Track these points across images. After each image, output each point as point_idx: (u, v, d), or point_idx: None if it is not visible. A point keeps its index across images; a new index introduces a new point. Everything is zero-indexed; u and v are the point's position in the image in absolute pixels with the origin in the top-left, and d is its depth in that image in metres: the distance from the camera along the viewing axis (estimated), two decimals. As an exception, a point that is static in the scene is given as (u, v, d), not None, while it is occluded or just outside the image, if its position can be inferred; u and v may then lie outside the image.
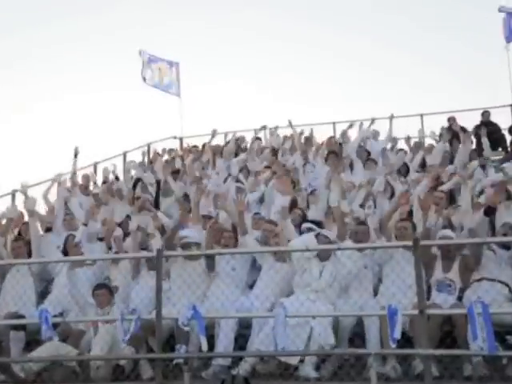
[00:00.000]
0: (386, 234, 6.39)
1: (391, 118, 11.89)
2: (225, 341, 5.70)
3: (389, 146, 11.39)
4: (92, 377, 5.61)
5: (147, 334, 5.74)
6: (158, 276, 5.46)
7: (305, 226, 6.80)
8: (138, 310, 5.71)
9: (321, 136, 12.36)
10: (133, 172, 11.60)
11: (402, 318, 4.88)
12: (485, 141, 10.71)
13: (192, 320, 5.37)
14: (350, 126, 11.99)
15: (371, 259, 6.11)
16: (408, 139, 11.65)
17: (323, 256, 5.95)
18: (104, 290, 6.17)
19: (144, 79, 15.08)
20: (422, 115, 13.83)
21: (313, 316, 5.50)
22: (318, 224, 6.87)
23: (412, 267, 5.09)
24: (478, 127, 12.05)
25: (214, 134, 13.19)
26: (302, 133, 12.25)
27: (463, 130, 11.67)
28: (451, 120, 12.36)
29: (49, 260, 7.23)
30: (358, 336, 5.63)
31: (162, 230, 7.48)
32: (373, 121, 11.99)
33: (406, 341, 5.09)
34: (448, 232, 6.17)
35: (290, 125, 12.44)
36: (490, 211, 6.08)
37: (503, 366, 5.05)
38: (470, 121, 12.43)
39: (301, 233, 6.73)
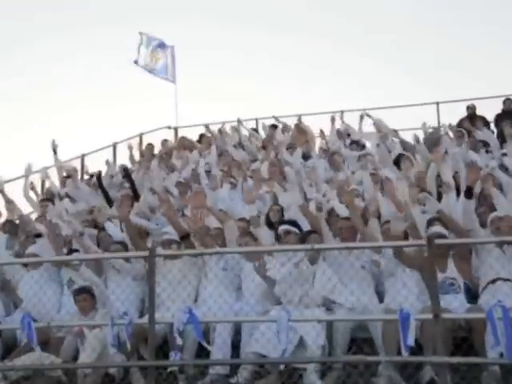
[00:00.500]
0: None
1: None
2: (223, 347, 5.71)
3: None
4: (80, 385, 5.62)
5: (138, 340, 5.75)
6: (151, 277, 5.47)
7: (282, 228, 6.72)
8: (130, 314, 5.73)
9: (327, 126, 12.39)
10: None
11: (414, 323, 4.89)
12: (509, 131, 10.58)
13: (187, 325, 5.38)
14: (362, 118, 11.98)
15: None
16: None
17: (312, 259, 6.01)
18: (85, 295, 6.12)
19: (136, 62, 14.98)
20: (437, 103, 13.80)
21: (312, 320, 5.56)
22: (296, 224, 6.78)
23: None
24: (499, 116, 12.03)
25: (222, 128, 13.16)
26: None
27: (482, 119, 11.69)
28: (470, 108, 12.35)
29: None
30: (365, 342, 5.63)
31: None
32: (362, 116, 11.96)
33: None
34: (439, 228, 6.10)
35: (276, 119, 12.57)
36: (470, 192, 6.04)
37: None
38: (490, 110, 12.43)
39: (277, 235, 6.76)
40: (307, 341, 5.50)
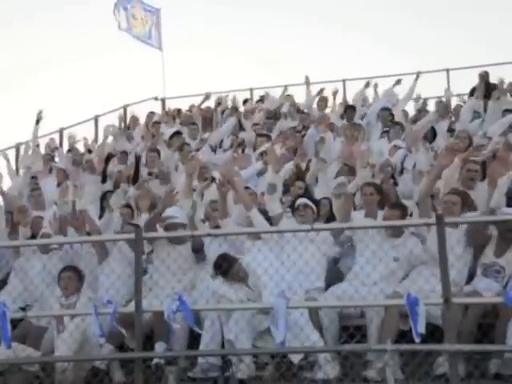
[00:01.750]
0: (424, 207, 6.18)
1: (418, 75, 11.82)
2: (215, 336, 5.70)
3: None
4: (58, 382, 5.56)
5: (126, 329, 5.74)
6: (137, 261, 5.42)
7: (301, 201, 6.66)
8: (115, 303, 5.69)
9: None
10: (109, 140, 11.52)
11: (424, 308, 4.87)
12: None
13: (178, 313, 5.36)
14: (367, 85, 11.95)
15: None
16: (418, 100, 11.58)
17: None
18: (71, 273, 6.10)
19: (119, 25, 14.78)
20: (448, 70, 13.75)
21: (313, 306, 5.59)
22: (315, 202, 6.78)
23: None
24: (514, 84, 11.94)
25: (207, 97, 13.09)
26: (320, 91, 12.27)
27: (496, 87, 11.60)
28: (483, 75, 12.26)
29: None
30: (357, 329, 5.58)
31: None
32: (399, 81, 11.97)
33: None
34: (507, 210, 5.98)
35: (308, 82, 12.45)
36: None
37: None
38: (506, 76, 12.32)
39: (294, 209, 6.70)
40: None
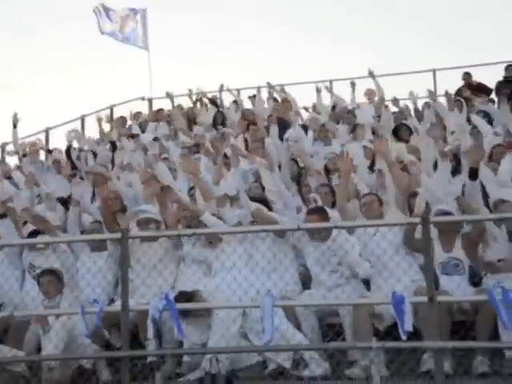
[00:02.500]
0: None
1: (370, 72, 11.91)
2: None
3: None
4: (44, 381, 5.58)
5: (109, 329, 5.78)
6: (124, 260, 5.45)
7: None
8: (101, 302, 5.72)
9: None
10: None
11: (409, 306, 4.93)
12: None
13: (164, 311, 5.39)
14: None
15: None
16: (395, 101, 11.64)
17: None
18: (50, 277, 6.09)
19: (102, 32, 14.74)
20: (434, 70, 13.85)
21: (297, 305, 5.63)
22: (266, 203, 6.85)
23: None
24: (500, 83, 12.10)
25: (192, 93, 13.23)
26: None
27: (481, 86, 11.76)
28: (466, 76, 12.45)
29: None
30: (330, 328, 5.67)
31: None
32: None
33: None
34: (444, 206, 6.19)
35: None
36: (474, 173, 6.00)
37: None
38: (491, 76, 12.49)
39: None
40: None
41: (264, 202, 6.87)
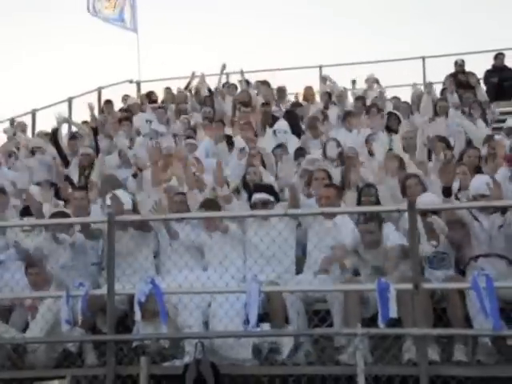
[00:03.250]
0: None
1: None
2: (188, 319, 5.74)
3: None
4: (28, 363, 5.61)
5: (95, 313, 5.79)
6: (110, 245, 5.47)
7: (258, 197, 6.51)
8: (87, 286, 5.72)
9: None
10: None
11: (394, 293, 4.98)
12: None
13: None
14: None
15: None
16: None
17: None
18: (38, 269, 6.06)
19: (89, 9, 14.48)
20: (423, 58, 13.85)
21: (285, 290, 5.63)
22: (272, 191, 6.72)
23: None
24: (489, 72, 12.12)
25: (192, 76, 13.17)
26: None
27: (471, 75, 11.77)
28: (459, 64, 12.43)
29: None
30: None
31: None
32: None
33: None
34: (430, 196, 6.20)
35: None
36: (447, 191, 6.01)
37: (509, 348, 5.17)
38: (480, 65, 12.50)
39: (252, 205, 6.64)
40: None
41: (270, 189, 6.72)
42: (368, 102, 10.83)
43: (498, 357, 5.09)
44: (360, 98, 11.15)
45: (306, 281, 5.91)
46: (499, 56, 12.49)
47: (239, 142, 9.10)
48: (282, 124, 9.75)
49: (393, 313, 4.90)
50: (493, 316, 4.71)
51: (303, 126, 10.07)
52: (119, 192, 6.60)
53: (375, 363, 5.13)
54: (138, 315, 5.36)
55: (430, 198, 6.08)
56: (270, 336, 5.52)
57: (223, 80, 13.43)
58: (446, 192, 6.00)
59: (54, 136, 9.95)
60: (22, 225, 6.94)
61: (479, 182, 6.10)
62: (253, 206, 6.53)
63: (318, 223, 6.22)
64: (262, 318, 5.54)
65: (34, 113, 12.90)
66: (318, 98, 11.95)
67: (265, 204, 6.40)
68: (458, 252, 5.95)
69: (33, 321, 5.74)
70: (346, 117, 9.93)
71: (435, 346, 5.15)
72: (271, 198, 6.48)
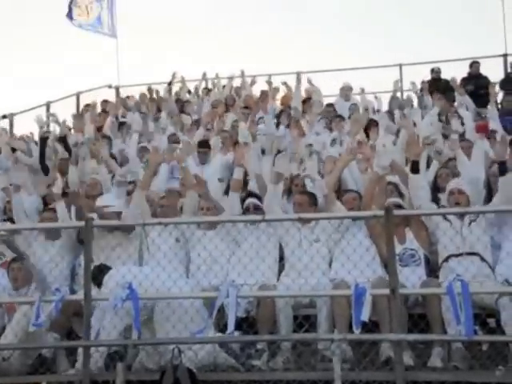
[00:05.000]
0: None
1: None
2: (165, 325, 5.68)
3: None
4: (2, 370, 5.51)
5: (70, 318, 5.74)
6: (87, 249, 5.42)
7: (251, 201, 6.68)
8: (64, 291, 5.65)
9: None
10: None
11: (370, 298, 4.98)
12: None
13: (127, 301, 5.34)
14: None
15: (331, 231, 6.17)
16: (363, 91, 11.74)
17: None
18: (20, 265, 6.02)
19: (70, 18, 14.50)
20: (400, 65, 13.95)
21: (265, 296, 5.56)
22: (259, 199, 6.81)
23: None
24: (465, 80, 12.23)
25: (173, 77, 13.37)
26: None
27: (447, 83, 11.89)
28: (435, 71, 12.57)
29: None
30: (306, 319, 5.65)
31: None
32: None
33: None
34: (396, 199, 6.33)
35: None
36: (415, 166, 6.20)
37: (483, 353, 5.19)
38: (456, 73, 12.60)
39: (244, 209, 6.72)
40: None
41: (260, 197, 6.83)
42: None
43: (472, 362, 5.11)
44: (330, 105, 11.33)
45: (296, 286, 5.84)
46: (475, 64, 12.64)
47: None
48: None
49: (365, 316, 4.89)
50: (466, 323, 4.71)
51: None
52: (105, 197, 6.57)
53: (352, 368, 5.12)
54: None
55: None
56: (247, 341, 5.49)
57: (202, 85, 13.52)
58: (414, 167, 6.21)
59: (42, 142, 9.85)
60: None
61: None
62: (246, 210, 6.64)
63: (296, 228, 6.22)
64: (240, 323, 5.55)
65: (11, 117, 12.74)
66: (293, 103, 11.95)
67: (256, 208, 6.55)
68: (425, 247, 6.02)
69: (8, 325, 5.67)
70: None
71: (409, 351, 5.16)
72: (261, 205, 6.60)
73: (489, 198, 6.52)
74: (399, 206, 6.13)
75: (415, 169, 6.22)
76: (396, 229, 5.81)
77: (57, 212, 6.83)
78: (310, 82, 12.50)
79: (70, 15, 14.49)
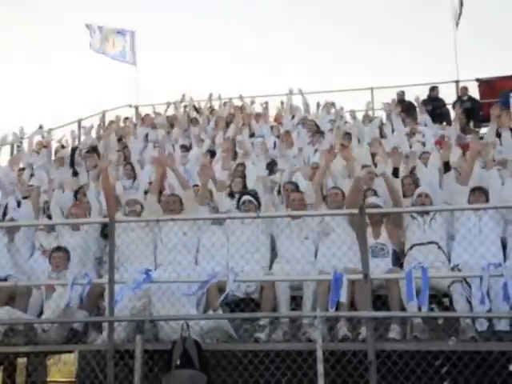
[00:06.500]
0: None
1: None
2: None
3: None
4: (41, 340, 5.57)
5: (97, 298, 5.78)
6: (111, 242, 5.44)
7: (246, 198, 6.63)
8: (91, 275, 5.76)
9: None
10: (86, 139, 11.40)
11: (347, 282, 5.05)
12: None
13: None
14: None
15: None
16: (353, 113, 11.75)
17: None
18: (62, 253, 6.04)
19: (91, 46, 14.69)
20: (372, 89, 14.01)
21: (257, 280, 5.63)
22: (256, 196, 6.79)
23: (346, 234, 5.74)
24: (424, 102, 12.29)
25: (183, 98, 13.28)
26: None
27: (410, 104, 11.95)
28: (399, 94, 12.65)
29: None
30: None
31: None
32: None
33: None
34: (374, 199, 6.33)
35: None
36: (395, 172, 6.63)
37: (439, 326, 5.25)
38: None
39: (239, 204, 6.70)
40: None
41: (254, 195, 6.79)
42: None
43: (430, 334, 5.16)
44: (312, 121, 11.18)
45: (294, 271, 5.85)
46: (435, 88, 12.73)
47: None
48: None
49: (342, 297, 5.02)
50: (422, 302, 4.87)
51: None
52: None
53: (331, 340, 5.15)
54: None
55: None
56: (242, 318, 5.51)
57: (208, 105, 13.55)
58: (395, 173, 6.89)
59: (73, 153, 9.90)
60: (37, 224, 6.89)
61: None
62: (241, 204, 6.61)
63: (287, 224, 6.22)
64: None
65: (49, 131, 12.74)
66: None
67: (250, 202, 6.53)
68: (395, 242, 6.06)
69: (47, 304, 5.71)
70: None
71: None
72: (255, 201, 6.58)
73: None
74: (377, 206, 6.13)
75: (396, 175, 6.59)
76: (374, 225, 6.01)
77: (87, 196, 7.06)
78: (301, 92, 12.59)
79: (95, 47, 14.68)
